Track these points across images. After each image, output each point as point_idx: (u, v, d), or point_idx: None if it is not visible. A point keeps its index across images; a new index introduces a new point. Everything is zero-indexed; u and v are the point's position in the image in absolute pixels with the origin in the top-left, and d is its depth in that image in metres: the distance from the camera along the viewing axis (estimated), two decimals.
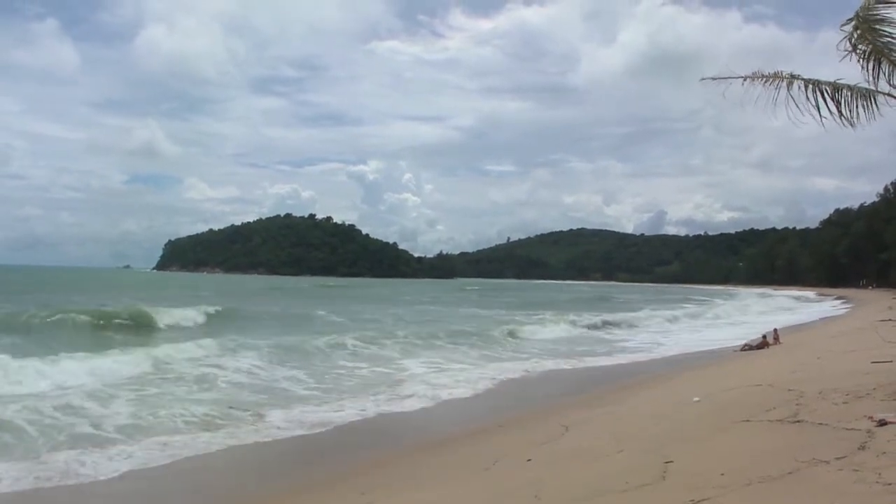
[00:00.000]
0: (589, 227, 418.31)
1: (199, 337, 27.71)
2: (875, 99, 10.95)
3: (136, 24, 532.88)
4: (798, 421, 10.18)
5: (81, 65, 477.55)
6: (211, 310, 42.86)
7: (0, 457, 11.66)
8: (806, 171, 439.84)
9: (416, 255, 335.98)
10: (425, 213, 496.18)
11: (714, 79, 11.11)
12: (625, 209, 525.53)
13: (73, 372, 19.33)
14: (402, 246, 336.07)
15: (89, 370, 19.67)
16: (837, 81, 11.01)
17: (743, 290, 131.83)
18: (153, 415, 14.84)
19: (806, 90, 11.05)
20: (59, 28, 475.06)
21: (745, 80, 11.12)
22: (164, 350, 23.88)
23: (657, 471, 8.28)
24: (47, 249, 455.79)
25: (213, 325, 37.79)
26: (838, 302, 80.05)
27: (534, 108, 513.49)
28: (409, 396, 18.37)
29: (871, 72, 10.93)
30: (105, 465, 11.49)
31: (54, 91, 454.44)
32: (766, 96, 11.05)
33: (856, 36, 10.90)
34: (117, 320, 36.47)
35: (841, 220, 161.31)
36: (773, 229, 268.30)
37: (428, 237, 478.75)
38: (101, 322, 35.67)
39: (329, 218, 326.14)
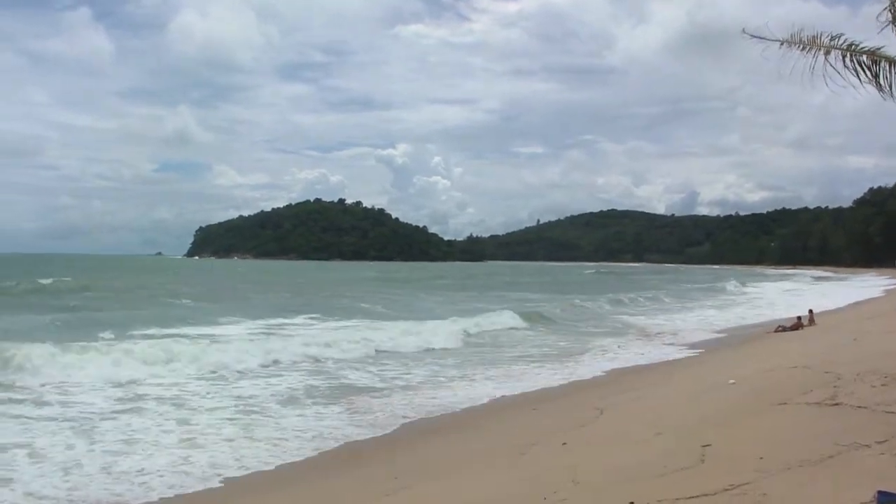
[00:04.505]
0: (619, 208, 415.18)
1: None
2: None
3: (166, 13, 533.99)
4: (836, 404, 10.09)
5: (114, 54, 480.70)
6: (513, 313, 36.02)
7: None
8: (843, 149, 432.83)
9: (446, 238, 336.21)
10: (455, 196, 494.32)
11: (753, 37, 10.91)
12: (656, 190, 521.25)
13: None
14: (432, 229, 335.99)
15: None
16: (876, 50, 10.76)
17: (805, 272, 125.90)
18: None
19: (843, 59, 10.83)
20: (92, 17, 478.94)
21: (782, 44, 10.91)
22: None
23: (695, 455, 8.24)
24: (81, 238, 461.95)
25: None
26: None
27: (563, 89, 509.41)
28: None
29: None
30: None
31: (85, 81, 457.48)
32: (803, 64, 10.84)
33: None
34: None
35: (875, 199, 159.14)
36: (806, 209, 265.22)
37: (458, 220, 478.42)
38: None
39: (359, 202, 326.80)
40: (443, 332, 28.28)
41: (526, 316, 35.95)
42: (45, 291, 52.48)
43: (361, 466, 11.12)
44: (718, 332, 31.38)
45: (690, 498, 6.60)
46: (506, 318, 34.63)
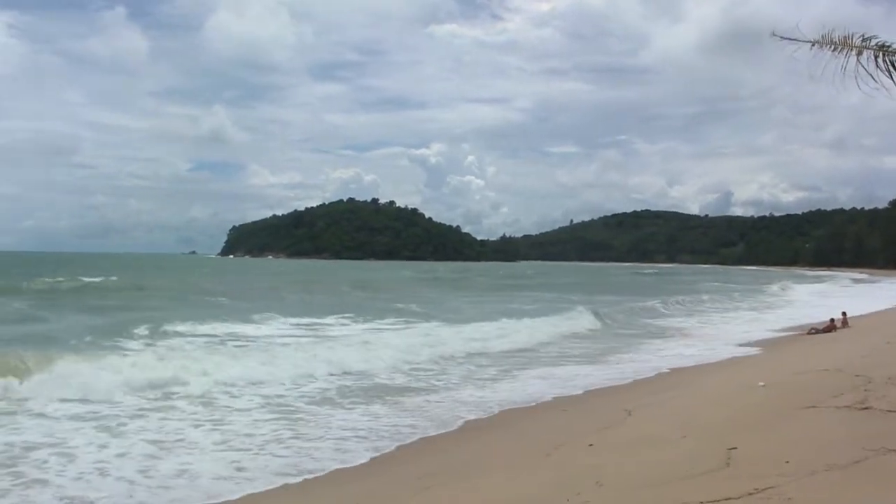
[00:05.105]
0: (653, 208, 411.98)
1: None
2: None
3: (201, 13, 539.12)
4: (866, 408, 10.02)
5: (149, 53, 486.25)
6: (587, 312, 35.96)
7: None
8: (878, 149, 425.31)
9: (479, 237, 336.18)
10: (489, 195, 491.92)
11: (783, 38, 10.81)
12: (690, 190, 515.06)
13: None
14: (466, 229, 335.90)
15: None
16: None
17: (843, 274, 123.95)
18: None
19: (876, 59, 10.70)
20: (127, 17, 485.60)
21: (813, 45, 10.81)
22: None
23: (721, 458, 8.21)
24: (117, 236, 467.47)
25: None
26: None
27: (596, 89, 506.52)
28: None
29: None
30: None
31: (121, 81, 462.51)
32: (835, 65, 10.73)
33: None
34: None
35: None
36: (841, 210, 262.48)
37: (492, 220, 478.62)
38: None
39: (392, 202, 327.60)
40: (522, 333, 28.10)
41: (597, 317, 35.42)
42: (93, 289, 53.90)
43: (385, 468, 11.13)
44: (768, 332, 30.99)
45: (714, 502, 6.58)
46: (578, 319, 33.98)
